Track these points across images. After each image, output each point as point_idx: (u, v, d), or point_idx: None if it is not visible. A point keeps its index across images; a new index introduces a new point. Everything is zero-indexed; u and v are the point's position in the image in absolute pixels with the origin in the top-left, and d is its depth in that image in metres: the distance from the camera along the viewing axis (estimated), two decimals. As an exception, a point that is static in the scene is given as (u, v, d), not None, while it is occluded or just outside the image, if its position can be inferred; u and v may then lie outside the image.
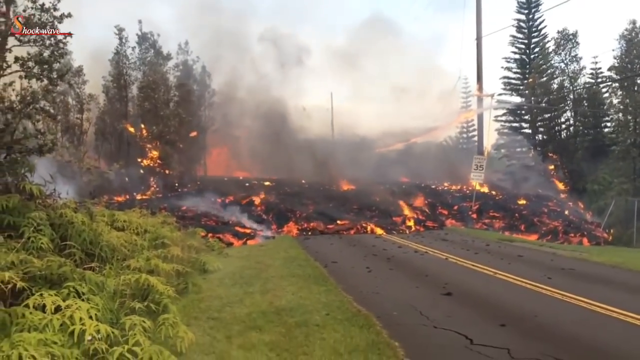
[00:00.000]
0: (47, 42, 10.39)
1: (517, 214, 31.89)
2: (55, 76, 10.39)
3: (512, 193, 37.88)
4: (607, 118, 43.31)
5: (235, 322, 8.39)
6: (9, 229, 7.82)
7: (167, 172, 33.12)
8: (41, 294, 5.66)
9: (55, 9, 10.40)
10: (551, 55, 45.12)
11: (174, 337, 6.32)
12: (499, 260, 15.77)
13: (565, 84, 44.05)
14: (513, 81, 48.91)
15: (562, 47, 43.37)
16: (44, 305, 5.51)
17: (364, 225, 27.06)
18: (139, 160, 33.15)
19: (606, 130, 43.38)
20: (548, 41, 46.46)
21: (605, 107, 42.72)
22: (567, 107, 44.83)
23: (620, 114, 38.00)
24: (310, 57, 54.55)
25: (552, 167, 44.36)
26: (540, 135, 47.46)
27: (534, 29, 48.07)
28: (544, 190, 39.49)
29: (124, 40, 35.52)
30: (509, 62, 49.05)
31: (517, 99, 48.98)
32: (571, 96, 44.13)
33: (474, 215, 30.97)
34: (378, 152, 44.79)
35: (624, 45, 37.83)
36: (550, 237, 28.17)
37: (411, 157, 44.29)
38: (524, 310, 9.33)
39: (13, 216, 8.04)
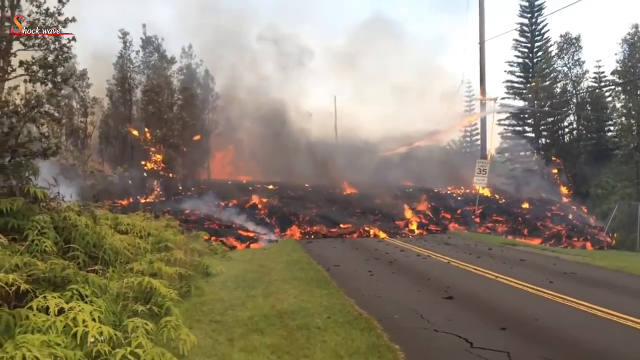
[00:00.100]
0: (52, 46, 10.49)
1: (520, 218, 31.84)
2: (59, 80, 10.48)
3: (515, 197, 37.84)
4: (610, 122, 43.25)
5: (237, 325, 8.44)
6: (14, 232, 7.88)
7: (170, 175, 33.22)
8: (45, 296, 5.71)
9: (59, 14, 10.49)
10: (554, 59, 45.18)
11: (176, 340, 6.37)
12: (501, 264, 15.77)
13: (568, 88, 44.11)
14: (516, 85, 49.01)
15: (565, 51, 43.48)
16: (48, 308, 5.56)
17: (366, 229, 27.06)
18: (143, 163, 33.25)
19: (609, 134, 43.32)
20: (551, 45, 46.64)
21: (608, 111, 42.67)
22: (570, 111, 44.82)
23: (624, 118, 37.94)
24: (311, 58, 54.61)
25: (555, 171, 44.28)
26: (543, 139, 47.46)
27: (537, 33, 48.17)
28: (547, 194, 39.47)
29: (128, 44, 35.72)
30: (512, 65, 49.23)
31: (520, 103, 49.11)
32: (574, 100, 44.18)
33: (477, 219, 30.93)
34: (381, 155, 44.80)
35: (627, 49, 37.88)
36: (553, 241, 28.10)
37: (414, 161, 44.28)
38: (525, 314, 9.35)
39: (17, 219, 8.11)
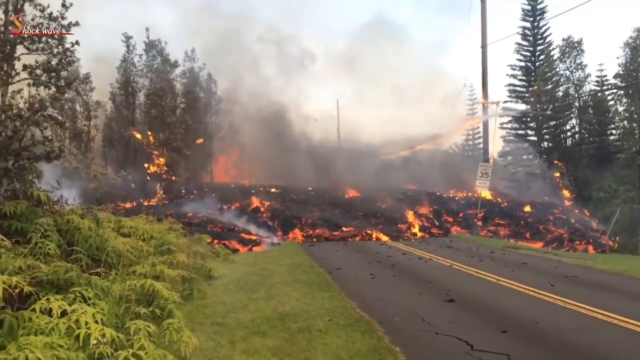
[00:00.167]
0: (55, 50, 10.54)
1: (522, 222, 31.85)
2: (62, 84, 10.51)
3: (517, 200, 37.83)
4: (612, 125, 43.22)
5: (239, 327, 8.48)
6: (17, 235, 7.92)
7: (173, 178, 33.33)
8: (48, 299, 5.74)
9: (63, 18, 10.55)
10: (556, 62, 45.09)
11: (178, 342, 6.40)
12: (502, 267, 15.79)
13: (571, 92, 44.04)
14: (518, 89, 48.90)
15: (567, 55, 43.39)
16: (51, 310, 5.59)
17: (369, 232, 27.08)
18: (146, 166, 33.36)
19: (611, 137, 43.23)
20: (553, 49, 46.51)
21: (610, 114, 42.66)
22: (572, 115, 44.78)
23: (626, 122, 37.95)
24: (313, 61, 54.67)
25: (557, 174, 44.24)
26: (545, 143, 47.36)
27: (539, 37, 48.13)
28: (549, 198, 39.43)
29: (131, 48, 35.88)
30: (514, 69, 49.15)
31: (523, 107, 48.99)
32: (576, 104, 44.10)
33: (479, 223, 30.93)
34: (383, 158, 44.82)
35: (629, 52, 37.84)
36: (556, 245, 28.10)
37: (416, 164, 44.30)
38: (526, 317, 9.37)
39: (21, 222, 8.15)
